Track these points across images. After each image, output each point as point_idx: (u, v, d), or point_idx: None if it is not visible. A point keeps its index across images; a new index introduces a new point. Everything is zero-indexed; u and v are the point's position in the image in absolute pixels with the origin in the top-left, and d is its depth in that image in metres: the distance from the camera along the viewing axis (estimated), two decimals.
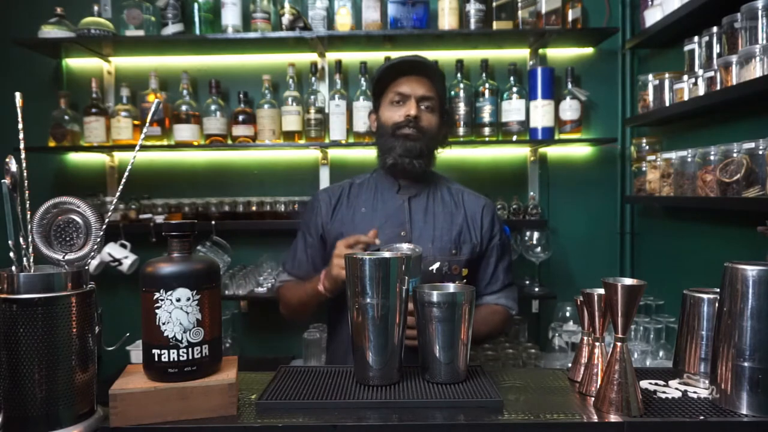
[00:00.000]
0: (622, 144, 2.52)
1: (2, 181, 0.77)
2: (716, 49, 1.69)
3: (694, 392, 0.94)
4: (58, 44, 2.36)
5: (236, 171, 2.60)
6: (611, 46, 2.49)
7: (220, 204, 2.44)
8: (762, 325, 0.82)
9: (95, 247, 0.84)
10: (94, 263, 2.26)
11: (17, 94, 0.80)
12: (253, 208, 2.44)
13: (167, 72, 2.55)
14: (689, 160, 1.77)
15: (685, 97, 1.80)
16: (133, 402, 0.81)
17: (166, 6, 2.36)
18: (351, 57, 2.53)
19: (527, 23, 2.32)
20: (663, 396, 0.92)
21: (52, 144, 2.41)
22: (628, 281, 0.84)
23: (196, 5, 2.39)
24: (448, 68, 2.32)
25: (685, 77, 1.82)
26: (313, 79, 2.44)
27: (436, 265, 1.48)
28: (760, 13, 1.44)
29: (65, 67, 2.59)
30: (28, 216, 0.80)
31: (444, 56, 2.48)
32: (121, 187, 0.88)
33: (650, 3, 2.14)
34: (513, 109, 2.38)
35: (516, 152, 2.57)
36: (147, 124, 0.93)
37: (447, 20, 2.34)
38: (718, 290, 0.91)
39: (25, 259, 0.79)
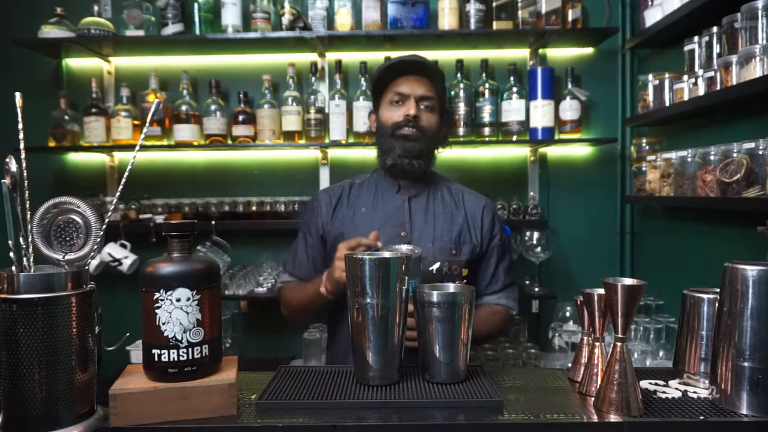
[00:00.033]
0: (622, 144, 2.52)
1: (2, 181, 0.77)
2: (716, 49, 1.69)
3: (694, 392, 0.94)
4: (58, 44, 2.36)
5: (236, 171, 2.60)
6: (611, 46, 2.49)
7: (220, 204, 2.44)
8: (762, 325, 0.82)
9: (95, 247, 0.84)
10: (94, 263, 2.26)
11: (17, 94, 0.80)
12: (253, 208, 2.45)
13: (167, 72, 2.55)
14: (689, 160, 1.77)
15: (685, 97, 1.80)
16: (133, 402, 0.81)
17: (166, 6, 2.36)
18: (351, 57, 2.53)
19: (527, 23, 2.32)
20: (663, 396, 0.92)
21: (52, 144, 2.41)
22: (628, 281, 0.84)
23: (196, 5, 2.39)
24: (448, 68, 2.32)
25: (685, 77, 1.82)
26: (313, 79, 2.44)
27: (436, 266, 1.48)
28: (760, 13, 1.44)
29: (65, 67, 2.59)
30: (28, 216, 0.80)
31: (444, 56, 2.48)
32: (121, 187, 0.88)
33: (650, 3, 2.14)
34: (513, 109, 2.38)
35: (516, 152, 2.57)
36: (147, 124, 0.93)
37: (447, 20, 2.34)
38: (718, 290, 0.91)
39: (25, 259, 0.79)
